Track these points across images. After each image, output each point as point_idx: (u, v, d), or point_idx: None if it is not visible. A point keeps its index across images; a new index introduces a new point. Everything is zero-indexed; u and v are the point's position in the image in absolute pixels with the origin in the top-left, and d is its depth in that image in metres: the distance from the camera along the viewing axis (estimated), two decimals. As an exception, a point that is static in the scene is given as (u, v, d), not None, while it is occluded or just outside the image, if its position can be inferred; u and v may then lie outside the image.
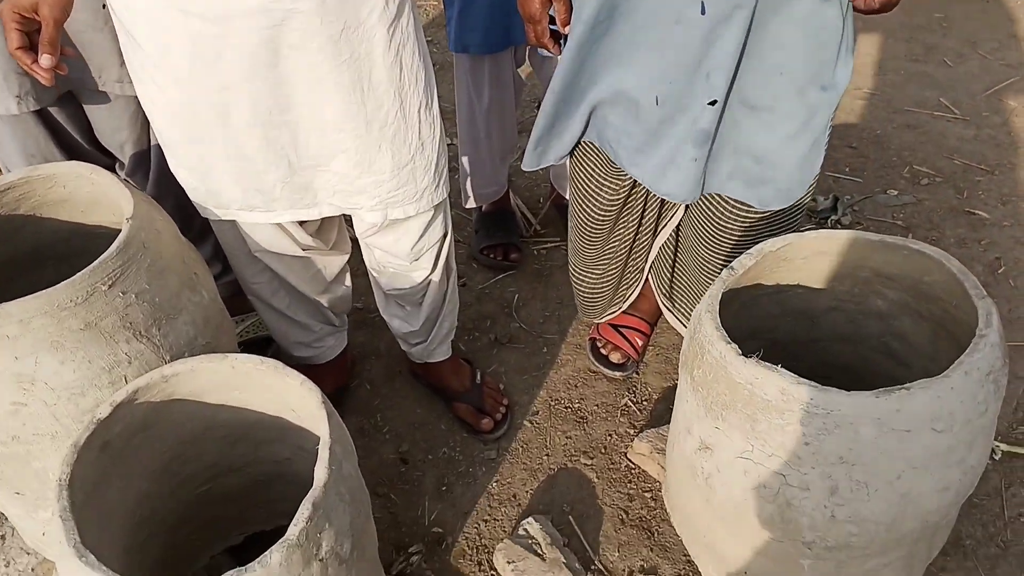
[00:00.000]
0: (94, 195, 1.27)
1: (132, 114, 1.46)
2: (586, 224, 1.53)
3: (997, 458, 1.56)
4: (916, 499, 1.04)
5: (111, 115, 1.46)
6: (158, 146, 1.50)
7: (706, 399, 1.14)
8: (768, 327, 1.37)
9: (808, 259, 1.28)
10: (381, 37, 1.15)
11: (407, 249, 1.39)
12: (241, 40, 1.08)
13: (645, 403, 1.71)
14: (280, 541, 0.92)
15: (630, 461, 1.60)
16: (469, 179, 2.00)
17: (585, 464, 1.60)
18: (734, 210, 1.39)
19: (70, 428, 1.09)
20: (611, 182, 1.44)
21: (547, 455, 1.62)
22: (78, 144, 1.49)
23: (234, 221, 1.34)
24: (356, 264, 1.78)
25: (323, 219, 1.47)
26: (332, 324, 1.63)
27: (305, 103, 1.16)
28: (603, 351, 1.77)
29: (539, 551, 1.38)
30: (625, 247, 1.56)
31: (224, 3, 1.05)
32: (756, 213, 1.37)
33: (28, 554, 1.36)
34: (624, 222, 1.52)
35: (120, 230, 1.31)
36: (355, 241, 1.59)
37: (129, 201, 1.16)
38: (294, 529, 0.93)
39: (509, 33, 1.70)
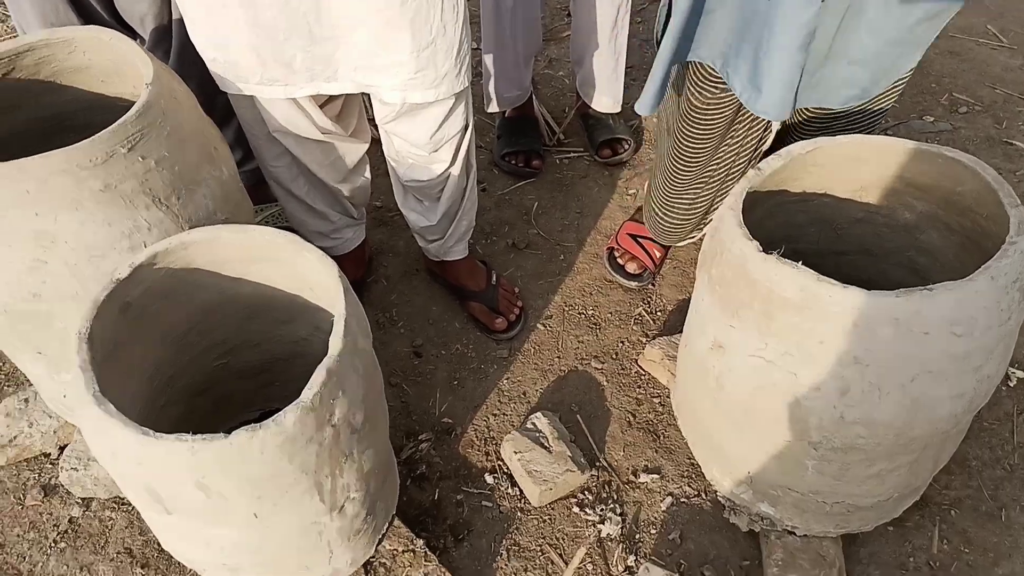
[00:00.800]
0: (114, 63, 1.25)
1: (153, -15, 1.42)
2: (688, 146, 1.45)
3: (1012, 384, 1.55)
4: (928, 404, 1.04)
5: (131, -15, 1.42)
6: (180, 21, 1.47)
7: (723, 297, 1.13)
8: (792, 236, 1.35)
9: (839, 165, 1.24)
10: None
11: (426, 138, 1.37)
12: None
13: (659, 313, 1.71)
14: (294, 403, 0.93)
15: (640, 367, 1.61)
16: (492, 81, 1.95)
17: (596, 368, 1.61)
18: (812, 112, 1.34)
19: (91, 290, 1.10)
20: (717, 100, 1.37)
21: (559, 357, 1.63)
22: (99, 15, 1.45)
23: (253, 99, 1.32)
24: (377, 163, 1.77)
25: (343, 104, 1.45)
26: (351, 216, 1.62)
27: None
28: (620, 260, 1.76)
29: (546, 444, 1.40)
30: (723, 169, 1.48)
31: None
32: (833, 114, 1.32)
33: (50, 417, 1.40)
34: (727, 144, 1.44)
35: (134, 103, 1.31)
36: (376, 141, 1.57)
37: (149, 67, 1.14)
38: (308, 392, 0.94)
39: None
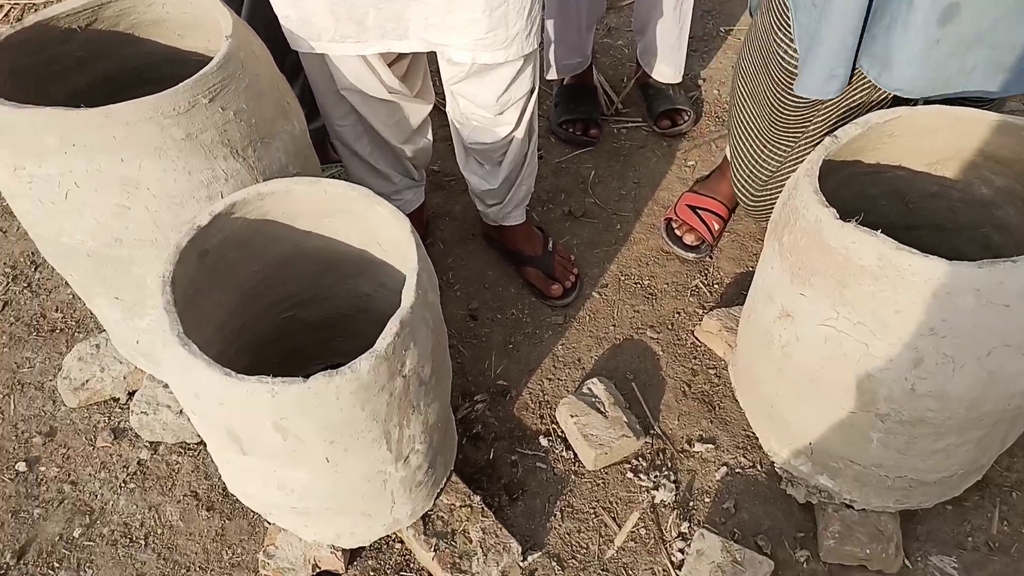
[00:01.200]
0: (192, 17, 1.27)
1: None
2: (781, 113, 1.38)
3: (1079, 369, 1.51)
4: (1003, 379, 1.02)
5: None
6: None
7: (794, 265, 1.12)
8: (862, 209, 1.32)
9: (916, 136, 1.21)
10: None
11: (492, 100, 1.37)
12: None
13: (716, 286, 1.70)
14: (369, 351, 0.95)
15: (696, 339, 1.60)
16: (553, 47, 1.94)
17: (651, 338, 1.61)
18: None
19: (170, 237, 1.13)
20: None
21: (614, 326, 1.63)
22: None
23: (323, 56, 1.33)
24: (436, 127, 1.77)
25: (409, 64, 1.46)
26: (411, 177, 1.63)
27: None
28: (678, 231, 1.74)
29: (602, 409, 1.41)
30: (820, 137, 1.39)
31: None
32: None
33: (121, 363, 1.45)
34: (825, 110, 1.35)
35: (214, 57, 1.33)
36: (436, 108, 1.56)
37: (228, 19, 1.16)
38: (382, 342, 0.96)
39: None
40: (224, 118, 1.10)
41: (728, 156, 1.66)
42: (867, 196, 1.32)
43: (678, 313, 1.65)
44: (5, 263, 1.74)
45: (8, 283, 1.70)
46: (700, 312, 1.64)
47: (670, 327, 1.63)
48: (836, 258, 1.04)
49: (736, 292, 1.68)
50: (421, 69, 1.49)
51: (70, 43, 1.24)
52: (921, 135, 1.21)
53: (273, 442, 0.96)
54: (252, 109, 1.14)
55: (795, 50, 1.28)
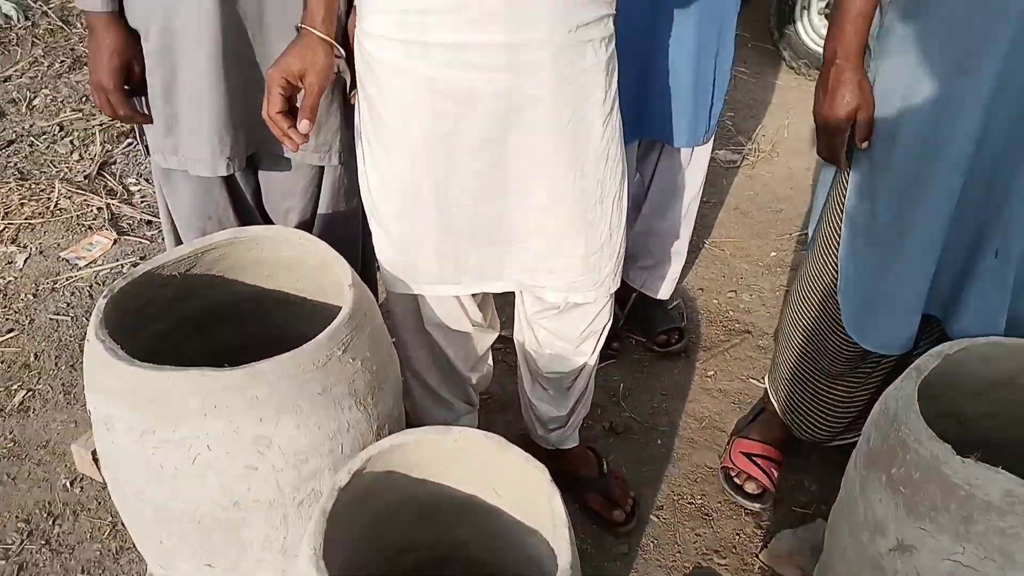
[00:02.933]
0: (289, 259, 1.29)
1: (306, 183, 1.49)
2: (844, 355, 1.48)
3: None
4: None
5: (285, 181, 1.49)
6: (323, 216, 1.54)
7: (909, 499, 1.15)
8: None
9: (978, 364, 1.33)
10: (597, 129, 1.21)
11: (576, 333, 1.42)
12: (478, 121, 1.14)
13: (769, 504, 1.71)
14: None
15: (763, 562, 1.58)
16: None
17: (719, 564, 1.58)
18: None
19: (287, 496, 1.07)
20: None
21: (679, 552, 1.60)
22: (250, 209, 1.50)
23: (415, 296, 1.36)
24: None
25: (483, 295, 1.50)
26: (471, 403, 1.62)
27: (520, 182, 1.21)
28: (736, 480, 1.71)
29: (701, 650, 1.34)
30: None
31: (471, 86, 1.12)
32: None
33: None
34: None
35: (296, 296, 1.34)
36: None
37: (346, 269, 1.18)
38: (554, 612, 0.91)
39: (639, 125, 1.74)
40: (353, 368, 1.09)
41: (775, 398, 1.70)
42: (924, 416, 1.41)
43: (738, 534, 1.64)
44: (17, 517, 1.56)
45: (23, 540, 1.51)
46: (759, 532, 1.64)
47: (734, 550, 1.61)
48: (959, 494, 1.08)
49: (786, 510, 1.70)
50: (491, 299, 1.53)
51: (167, 288, 1.23)
52: (982, 362, 1.33)
53: None
54: (373, 357, 1.14)
55: None
